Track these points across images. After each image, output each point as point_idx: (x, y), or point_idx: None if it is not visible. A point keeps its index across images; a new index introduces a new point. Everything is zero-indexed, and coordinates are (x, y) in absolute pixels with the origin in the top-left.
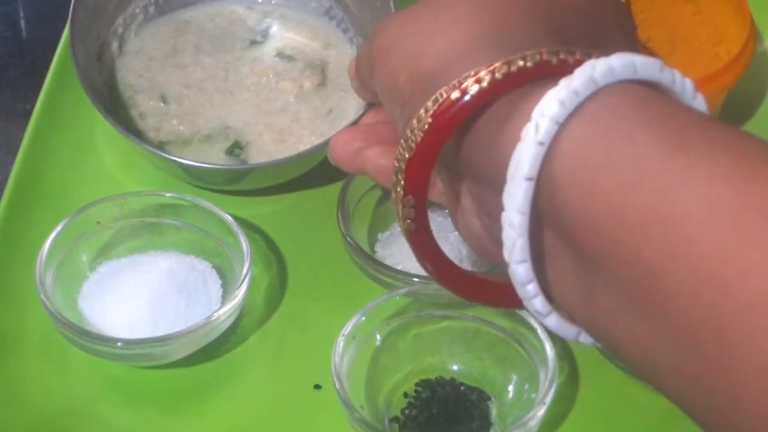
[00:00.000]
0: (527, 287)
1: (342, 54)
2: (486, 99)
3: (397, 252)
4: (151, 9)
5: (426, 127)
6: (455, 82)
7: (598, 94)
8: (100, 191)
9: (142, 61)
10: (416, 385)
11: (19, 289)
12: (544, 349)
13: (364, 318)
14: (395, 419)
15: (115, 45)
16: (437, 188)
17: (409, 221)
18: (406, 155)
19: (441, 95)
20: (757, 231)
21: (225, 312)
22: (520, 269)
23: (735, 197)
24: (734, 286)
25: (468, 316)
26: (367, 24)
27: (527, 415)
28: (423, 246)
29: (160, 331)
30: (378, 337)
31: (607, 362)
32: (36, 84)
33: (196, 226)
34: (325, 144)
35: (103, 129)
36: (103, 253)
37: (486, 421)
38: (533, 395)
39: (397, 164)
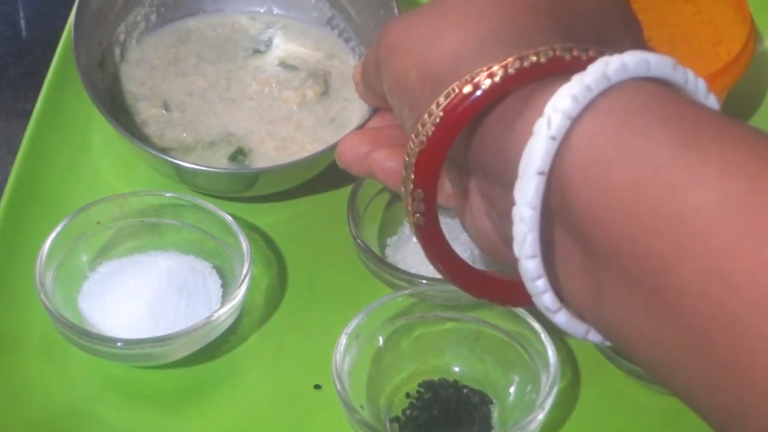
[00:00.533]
0: (537, 283)
1: (344, 64)
2: (498, 94)
3: (410, 256)
4: (153, 17)
5: (438, 120)
6: (468, 77)
7: (611, 90)
8: (100, 191)
9: (144, 69)
10: (419, 385)
11: (19, 289)
12: (546, 353)
13: (368, 317)
14: (396, 419)
15: (117, 52)
16: (446, 191)
17: (418, 215)
18: (417, 149)
19: (453, 90)
20: None
21: (225, 312)
22: (530, 264)
23: (747, 193)
24: (744, 282)
25: (472, 318)
26: (370, 33)
27: (527, 418)
28: (432, 241)
29: (160, 331)
30: (381, 336)
31: (608, 363)
32: (36, 84)
33: (196, 226)
34: (329, 150)
35: (102, 129)
36: (103, 253)
37: (487, 425)
38: (535, 399)
39: (407, 159)
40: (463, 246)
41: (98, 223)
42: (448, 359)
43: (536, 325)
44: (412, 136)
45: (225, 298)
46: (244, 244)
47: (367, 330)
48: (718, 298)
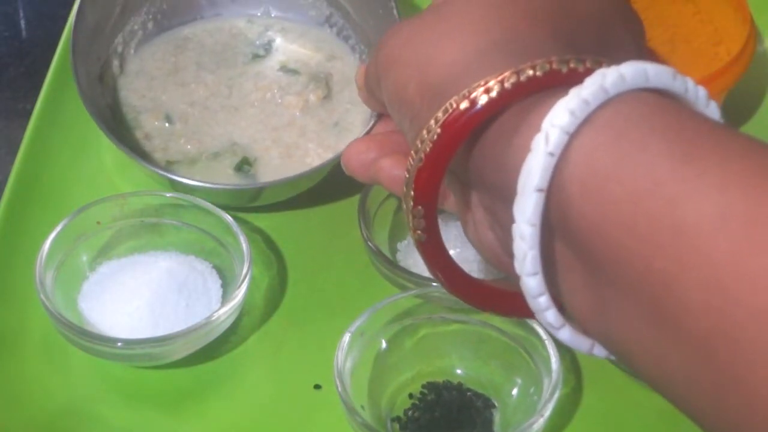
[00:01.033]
0: (539, 300)
1: (346, 66)
2: (495, 109)
3: (421, 260)
4: (150, 25)
5: (435, 137)
6: (465, 92)
7: (609, 102)
8: (100, 191)
9: (144, 80)
10: (423, 387)
11: (19, 289)
12: (550, 360)
13: (373, 315)
14: (397, 419)
15: (116, 64)
16: (451, 199)
17: (419, 232)
18: (416, 166)
19: (450, 105)
20: None
21: (225, 312)
22: (531, 282)
23: (746, 206)
24: (745, 295)
25: (478, 321)
26: (370, 31)
27: (526, 422)
28: (434, 256)
29: (160, 331)
30: (385, 336)
31: (612, 370)
32: (36, 84)
33: (196, 226)
34: (333, 161)
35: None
36: (103, 253)
37: (488, 429)
38: (536, 403)
39: (407, 175)
40: (474, 252)
41: (98, 223)
42: (453, 361)
43: (542, 332)
44: (412, 152)
45: (225, 298)
46: (244, 244)
47: (372, 328)
48: (720, 310)
